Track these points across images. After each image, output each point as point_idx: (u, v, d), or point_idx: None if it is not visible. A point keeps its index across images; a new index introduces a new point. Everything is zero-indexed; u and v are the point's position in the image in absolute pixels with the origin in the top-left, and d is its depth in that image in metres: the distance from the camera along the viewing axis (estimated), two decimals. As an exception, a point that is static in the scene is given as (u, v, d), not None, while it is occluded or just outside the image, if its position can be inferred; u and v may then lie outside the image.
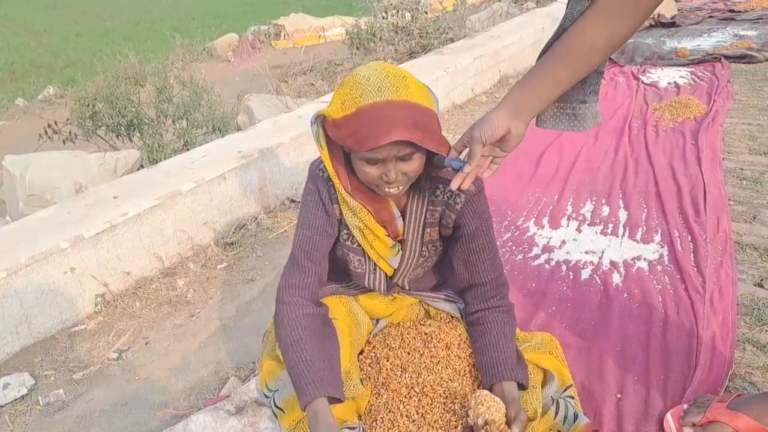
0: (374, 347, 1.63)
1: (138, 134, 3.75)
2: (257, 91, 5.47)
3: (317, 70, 6.23)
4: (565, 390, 1.52)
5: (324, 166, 1.44)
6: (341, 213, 1.47)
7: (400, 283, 1.63)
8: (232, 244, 2.64)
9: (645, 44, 5.42)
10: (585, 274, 2.17)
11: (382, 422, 1.48)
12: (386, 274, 1.60)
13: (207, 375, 1.90)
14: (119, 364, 1.99)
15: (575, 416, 1.44)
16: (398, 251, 1.52)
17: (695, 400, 1.50)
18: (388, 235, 1.48)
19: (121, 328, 2.16)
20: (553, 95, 1.25)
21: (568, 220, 2.58)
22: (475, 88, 4.55)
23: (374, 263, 1.56)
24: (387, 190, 1.33)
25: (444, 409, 1.47)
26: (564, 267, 2.22)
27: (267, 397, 1.57)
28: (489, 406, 1.31)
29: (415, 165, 1.30)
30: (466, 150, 1.30)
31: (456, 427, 1.45)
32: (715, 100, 3.87)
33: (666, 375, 1.64)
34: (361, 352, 1.65)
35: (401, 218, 1.49)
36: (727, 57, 4.88)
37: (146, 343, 2.09)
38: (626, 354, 1.74)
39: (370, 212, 1.43)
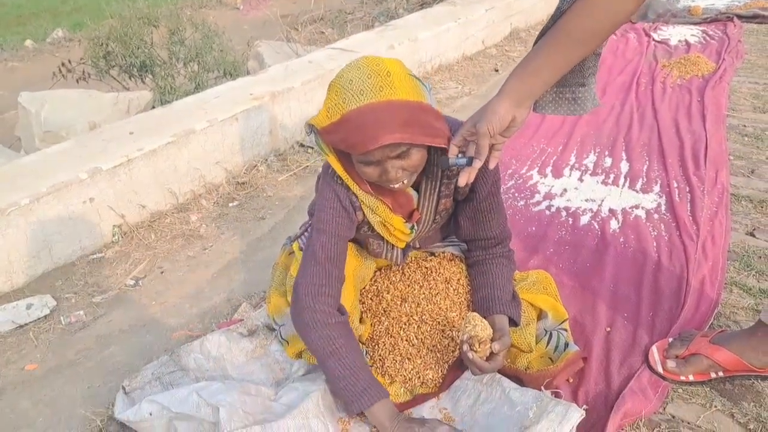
0: (376, 281, 1.72)
1: (150, 76, 3.79)
2: (266, 38, 5.47)
3: (328, 19, 6.21)
4: (560, 324, 1.61)
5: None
6: (364, 215, 1.49)
7: (411, 245, 1.70)
8: (243, 183, 2.72)
9: (659, 1, 5.37)
10: (584, 220, 2.25)
11: (384, 346, 1.58)
12: (400, 249, 1.65)
13: (219, 302, 2.01)
14: (136, 290, 2.10)
15: (566, 345, 1.54)
16: (415, 231, 1.56)
17: (680, 335, 1.60)
18: (406, 222, 1.51)
19: (137, 257, 2.26)
20: (555, 79, 1.23)
21: (571, 170, 2.65)
22: (486, 40, 4.55)
23: (392, 244, 1.62)
24: (392, 186, 1.33)
25: (442, 336, 1.57)
26: (564, 213, 2.30)
27: (274, 329, 1.68)
28: (475, 325, 1.39)
29: (414, 160, 1.28)
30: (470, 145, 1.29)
31: (453, 351, 1.55)
32: (724, 59, 3.88)
33: (655, 313, 1.74)
34: (365, 287, 1.73)
35: (416, 193, 1.50)
36: (739, 17, 4.85)
37: (161, 272, 2.19)
38: (618, 294, 1.83)
39: (387, 206, 1.45)
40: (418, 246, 1.73)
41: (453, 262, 1.74)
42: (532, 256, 2.04)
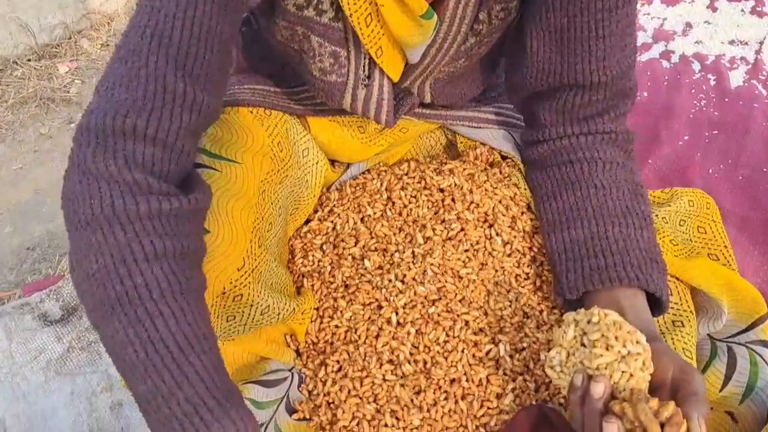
0: (332, 210, 0.78)
1: None
2: None
3: None
4: (748, 328, 0.68)
5: None
6: None
7: (417, 93, 0.75)
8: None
9: None
10: (736, 78, 1.33)
11: (340, 372, 0.68)
12: (391, 83, 0.69)
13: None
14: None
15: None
16: (433, 29, 0.63)
17: None
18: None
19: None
20: None
21: (692, -11, 1.63)
22: None
23: (370, 60, 0.65)
24: None
25: (473, 358, 0.66)
26: (696, 65, 1.36)
27: None
28: (642, 361, 0.51)
29: None
30: None
31: (503, 392, 0.65)
32: None
33: None
34: (307, 222, 0.80)
35: None
36: None
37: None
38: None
39: None
40: (428, 100, 0.77)
41: (494, 170, 0.79)
42: (649, 151, 1.08)
